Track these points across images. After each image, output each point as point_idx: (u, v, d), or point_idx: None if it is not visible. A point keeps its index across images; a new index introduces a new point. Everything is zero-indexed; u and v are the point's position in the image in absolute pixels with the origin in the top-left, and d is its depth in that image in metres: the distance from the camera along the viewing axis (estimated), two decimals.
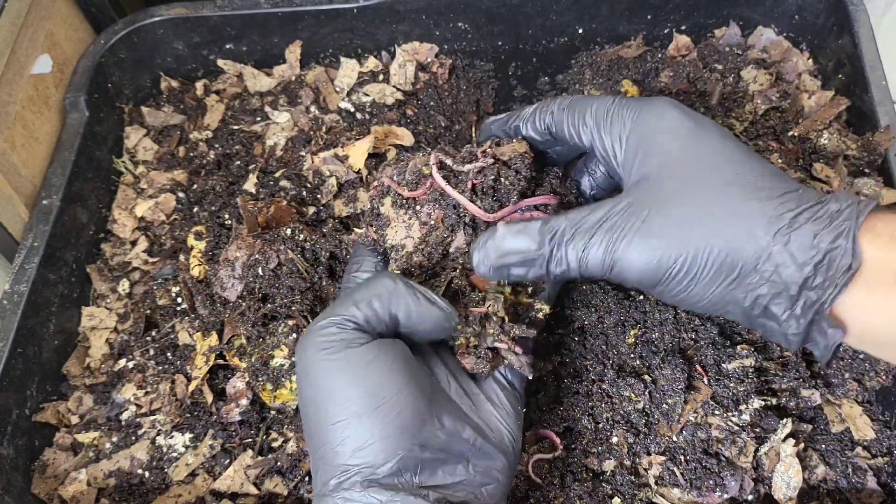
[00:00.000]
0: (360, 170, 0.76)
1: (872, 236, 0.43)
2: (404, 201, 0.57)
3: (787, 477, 0.59)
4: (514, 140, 0.59)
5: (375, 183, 0.60)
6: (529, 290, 0.56)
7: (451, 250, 0.57)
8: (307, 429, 0.48)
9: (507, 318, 0.54)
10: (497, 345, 0.52)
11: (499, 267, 0.50)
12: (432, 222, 0.56)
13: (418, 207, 0.57)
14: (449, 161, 0.56)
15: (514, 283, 0.55)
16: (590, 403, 0.63)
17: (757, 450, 0.60)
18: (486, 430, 0.51)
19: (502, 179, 0.56)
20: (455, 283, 0.55)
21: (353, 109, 0.85)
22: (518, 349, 0.53)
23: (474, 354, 0.53)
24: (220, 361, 0.67)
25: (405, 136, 0.80)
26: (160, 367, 0.69)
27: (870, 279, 0.43)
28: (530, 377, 0.54)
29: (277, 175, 0.79)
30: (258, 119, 0.85)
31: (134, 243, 0.79)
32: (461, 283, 0.55)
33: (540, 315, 0.56)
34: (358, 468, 0.45)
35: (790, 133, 0.75)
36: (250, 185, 0.78)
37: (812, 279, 0.43)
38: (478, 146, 0.58)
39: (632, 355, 0.64)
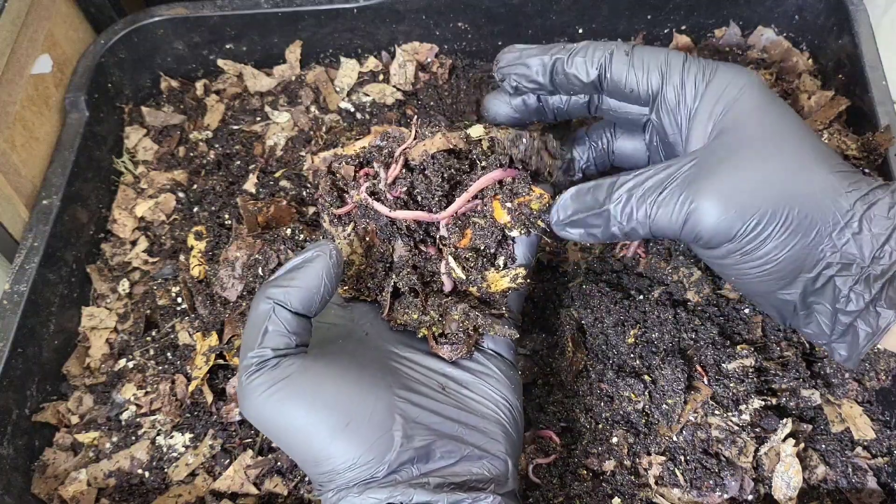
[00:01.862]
0: None
1: None
2: (338, 219, 0.56)
3: (787, 477, 0.59)
4: (429, 136, 0.54)
5: (315, 195, 0.58)
6: (500, 261, 0.54)
7: (394, 260, 0.55)
8: (295, 460, 0.47)
9: (471, 306, 0.52)
10: (467, 328, 0.52)
11: (570, 223, 0.51)
12: (368, 238, 0.55)
13: (353, 222, 0.55)
14: (368, 183, 0.54)
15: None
16: (590, 403, 0.63)
17: (757, 450, 0.60)
18: (476, 402, 0.50)
19: (419, 187, 0.53)
20: (402, 284, 0.53)
21: (353, 109, 0.85)
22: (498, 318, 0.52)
23: (447, 343, 0.52)
24: (220, 361, 0.67)
25: None
26: (160, 367, 0.69)
27: None
28: (517, 336, 0.53)
29: (277, 175, 0.79)
30: (258, 119, 0.85)
31: (134, 243, 0.79)
32: (408, 281, 0.53)
33: (519, 279, 0.54)
34: (356, 483, 0.45)
35: None
36: (250, 185, 0.78)
37: (886, 247, 0.44)
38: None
39: (632, 355, 0.64)
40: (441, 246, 0.54)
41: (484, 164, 0.54)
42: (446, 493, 0.45)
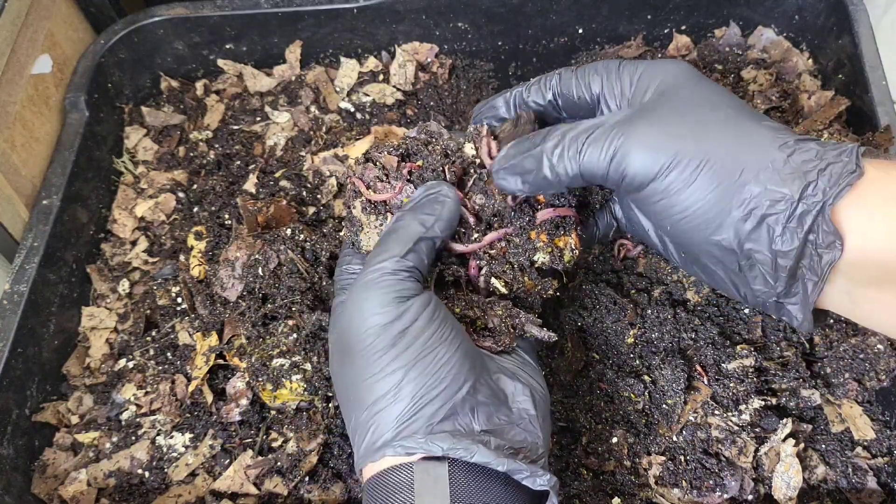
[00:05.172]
0: None
1: (873, 159, 0.45)
2: (373, 206, 0.55)
3: (787, 477, 0.59)
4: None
5: (348, 182, 0.57)
6: (534, 273, 0.55)
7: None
8: (352, 385, 0.48)
9: (511, 303, 0.54)
10: (509, 325, 0.53)
11: (507, 169, 0.52)
12: None
13: (389, 214, 0.54)
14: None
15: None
16: (590, 403, 0.63)
17: (757, 450, 0.60)
18: (521, 380, 0.52)
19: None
20: (448, 274, 0.54)
21: (353, 109, 0.85)
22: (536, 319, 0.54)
23: (490, 337, 0.53)
24: (220, 361, 0.67)
25: None
26: (160, 367, 0.69)
27: (868, 200, 0.43)
28: (555, 339, 0.55)
29: (277, 175, 0.79)
30: (258, 119, 0.85)
31: (134, 243, 0.79)
32: (455, 271, 0.54)
33: (550, 291, 0.56)
34: (418, 416, 0.45)
35: None
36: (250, 185, 0.78)
37: (814, 185, 0.44)
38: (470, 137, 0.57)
39: (631, 355, 0.64)
40: (479, 260, 0.55)
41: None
42: (506, 457, 0.45)
